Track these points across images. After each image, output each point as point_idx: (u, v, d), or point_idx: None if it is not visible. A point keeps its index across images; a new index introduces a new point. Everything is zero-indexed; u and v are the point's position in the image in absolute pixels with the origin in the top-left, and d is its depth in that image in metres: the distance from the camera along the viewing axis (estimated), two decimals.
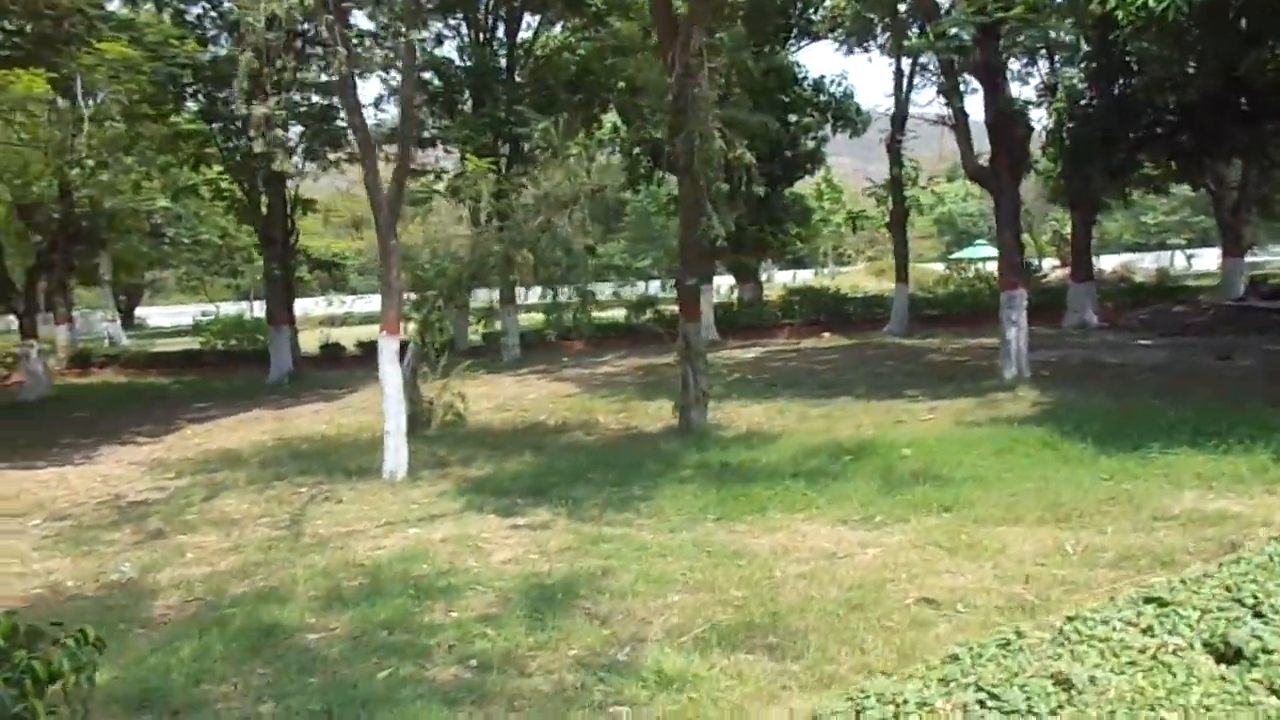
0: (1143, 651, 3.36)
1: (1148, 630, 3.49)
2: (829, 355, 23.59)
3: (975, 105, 19.22)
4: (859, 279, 50.27)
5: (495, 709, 5.26)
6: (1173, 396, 14.67)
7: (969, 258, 48.74)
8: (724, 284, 44.24)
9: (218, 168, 28.00)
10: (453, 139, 27.04)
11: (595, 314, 40.48)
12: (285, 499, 11.49)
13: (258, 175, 25.49)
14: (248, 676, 5.96)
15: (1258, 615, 3.50)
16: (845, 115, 35.52)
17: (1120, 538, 7.93)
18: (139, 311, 67.08)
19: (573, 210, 13.38)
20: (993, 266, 49.63)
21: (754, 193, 31.25)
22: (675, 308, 36.71)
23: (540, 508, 10.27)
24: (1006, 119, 17.80)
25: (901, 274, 29.75)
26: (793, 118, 35.22)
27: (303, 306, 49.24)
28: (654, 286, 67.51)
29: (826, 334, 28.62)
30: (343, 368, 28.70)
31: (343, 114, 28.26)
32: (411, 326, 15.57)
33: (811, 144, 36.77)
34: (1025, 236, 54.96)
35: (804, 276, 53.48)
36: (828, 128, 35.96)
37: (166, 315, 64.85)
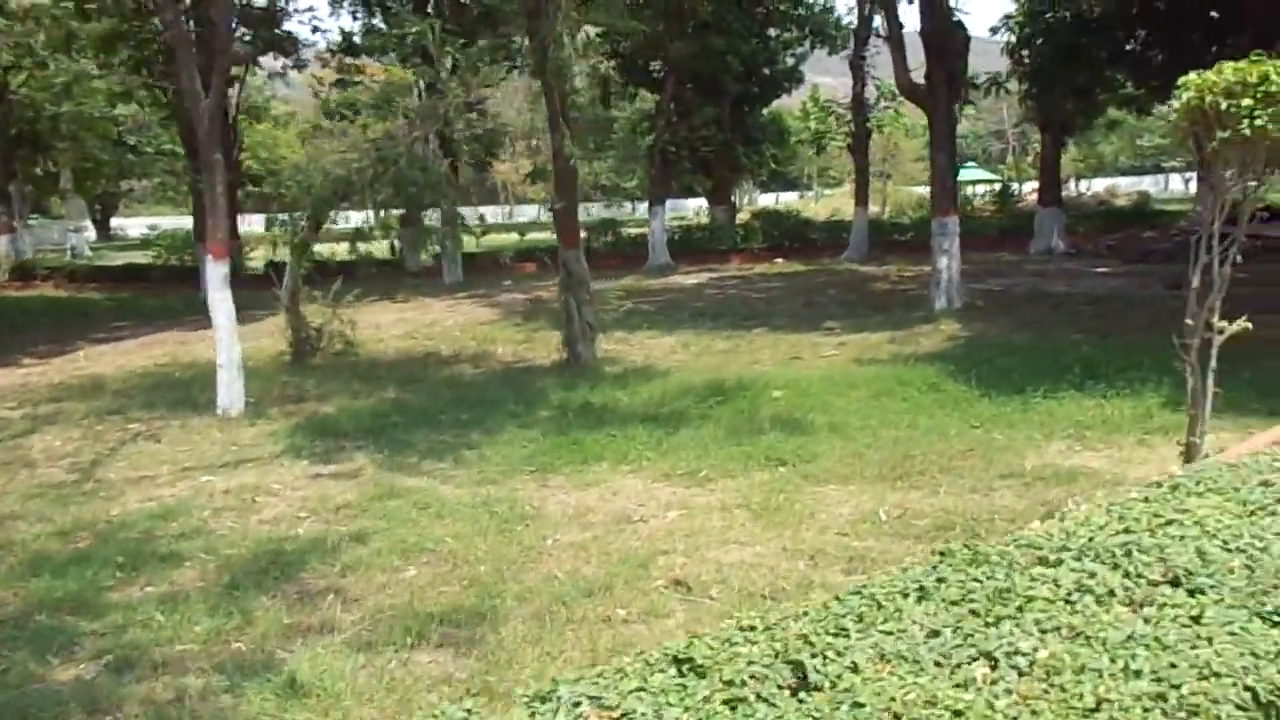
0: None
1: (625, 718, 2.44)
2: (772, 283, 22.57)
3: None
4: (843, 202, 48.86)
5: None
6: (1097, 330, 13.85)
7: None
8: (703, 206, 43.02)
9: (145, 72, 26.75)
10: (386, 49, 25.62)
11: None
12: (106, 436, 10.62)
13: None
14: None
15: (798, 688, 2.48)
16: (823, 31, 34.04)
17: (950, 500, 7.08)
18: (116, 222, 66.00)
19: (443, 126, 12.27)
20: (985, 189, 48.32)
21: (707, 110, 30.30)
22: (642, 230, 35.65)
23: (361, 452, 9.40)
24: (943, 30, 16.53)
25: (861, 198, 28.59)
26: (771, 32, 33.70)
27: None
28: (642, 208, 66.35)
29: (779, 260, 27.49)
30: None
31: (295, 17, 27.05)
32: (282, 249, 14.61)
33: (791, 61, 35.32)
34: (1009, 158, 53.54)
35: (788, 199, 52.08)
36: (807, 44, 34.53)
37: (147, 226, 63.61)
